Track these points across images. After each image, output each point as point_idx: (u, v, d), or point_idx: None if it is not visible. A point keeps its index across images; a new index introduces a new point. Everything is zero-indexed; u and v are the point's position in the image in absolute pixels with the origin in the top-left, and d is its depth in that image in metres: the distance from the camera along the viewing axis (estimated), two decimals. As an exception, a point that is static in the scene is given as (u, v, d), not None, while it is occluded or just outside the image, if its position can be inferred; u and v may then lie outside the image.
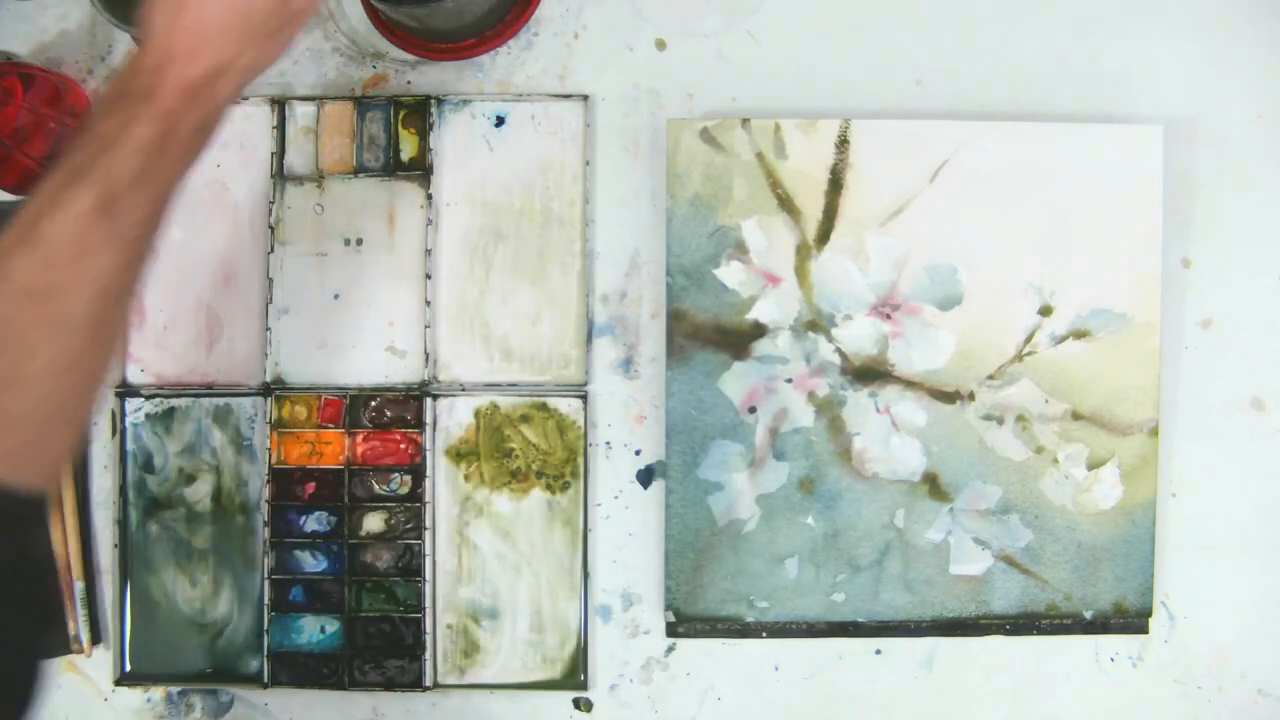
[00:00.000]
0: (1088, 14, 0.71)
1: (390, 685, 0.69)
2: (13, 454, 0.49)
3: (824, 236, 0.69)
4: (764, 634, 0.69)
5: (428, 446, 0.70)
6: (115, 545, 0.70)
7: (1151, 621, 0.69)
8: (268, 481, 0.70)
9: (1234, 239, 0.71)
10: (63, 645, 0.69)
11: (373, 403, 0.70)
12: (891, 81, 0.71)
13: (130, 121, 0.50)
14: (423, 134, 0.71)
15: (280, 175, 0.71)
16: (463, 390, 0.70)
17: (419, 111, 0.71)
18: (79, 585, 0.69)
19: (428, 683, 0.69)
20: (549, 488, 0.70)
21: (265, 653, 0.69)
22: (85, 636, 0.69)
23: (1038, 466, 0.69)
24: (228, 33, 0.51)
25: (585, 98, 0.71)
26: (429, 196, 0.70)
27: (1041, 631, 0.69)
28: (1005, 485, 0.68)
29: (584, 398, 0.70)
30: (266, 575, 0.69)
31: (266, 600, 0.69)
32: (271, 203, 0.71)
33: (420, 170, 0.71)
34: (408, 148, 0.71)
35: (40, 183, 0.50)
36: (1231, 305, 0.71)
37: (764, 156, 0.69)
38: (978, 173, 0.69)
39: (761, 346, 0.69)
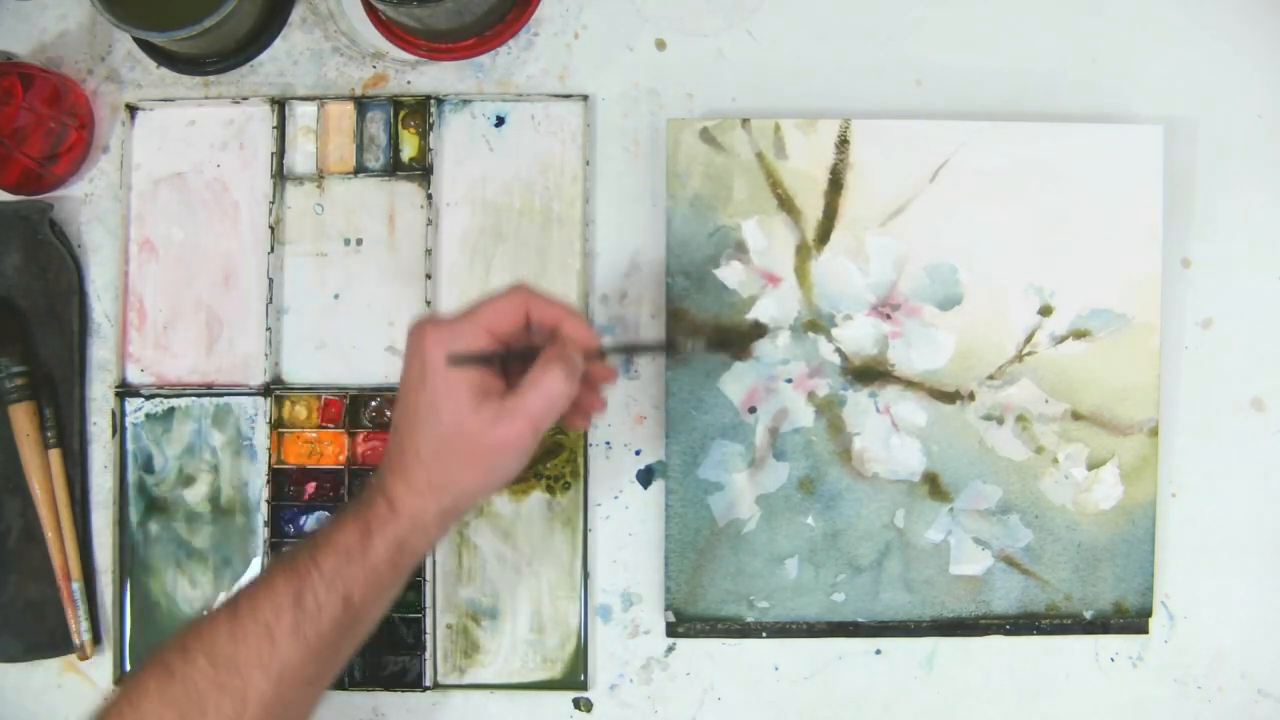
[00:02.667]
0: (1088, 14, 0.71)
1: (390, 685, 0.69)
2: None
3: (824, 236, 0.69)
4: (764, 634, 0.69)
5: (428, 446, 0.69)
6: (115, 545, 0.70)
7: (1151, 621, 0.69)
8: (267, 481, 0.70)
9: (1234, 239, 0.71)
10: (63, 645, 0.69)
11: (373, 403, 0.70)
12: (891, 81, 0.71)
13: (339, 522, 0.53)
14: (423, 134, 0.71)
15: (280, 175, 0.71)
16: (463, 390, 0.70)
17: (419, 111, 0.71)
18: (78, 585, 0.69)
19: (428, 683, 0.69)
20: (549, 488, 0.70)
21: (265, 653, 0.69)
22: (85, 637, 0.69)
23: (1038, 466, 0.69)
24: (425, 454, 0.53)
25: (585, 98, 0.71)
26: (429, 196, 0.70)
27: (1041, 631, 0.69)
28: (1005, 485, 0.68)
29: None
30: (266, 575, 0.69)
31: (266, 600, 0.69)
32: (271, 203, 0.71)
33: (420, 170, 0.71)
34: (408, 148, 0.71)
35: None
36: (1231, 305, 0.71)
37: (764, 156, 0.69)
38: (978, 173, 0.69)
39: (761, 346, 0.69)
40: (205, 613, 0.54)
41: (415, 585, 0.69)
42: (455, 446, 0.52)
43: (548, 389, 0.52)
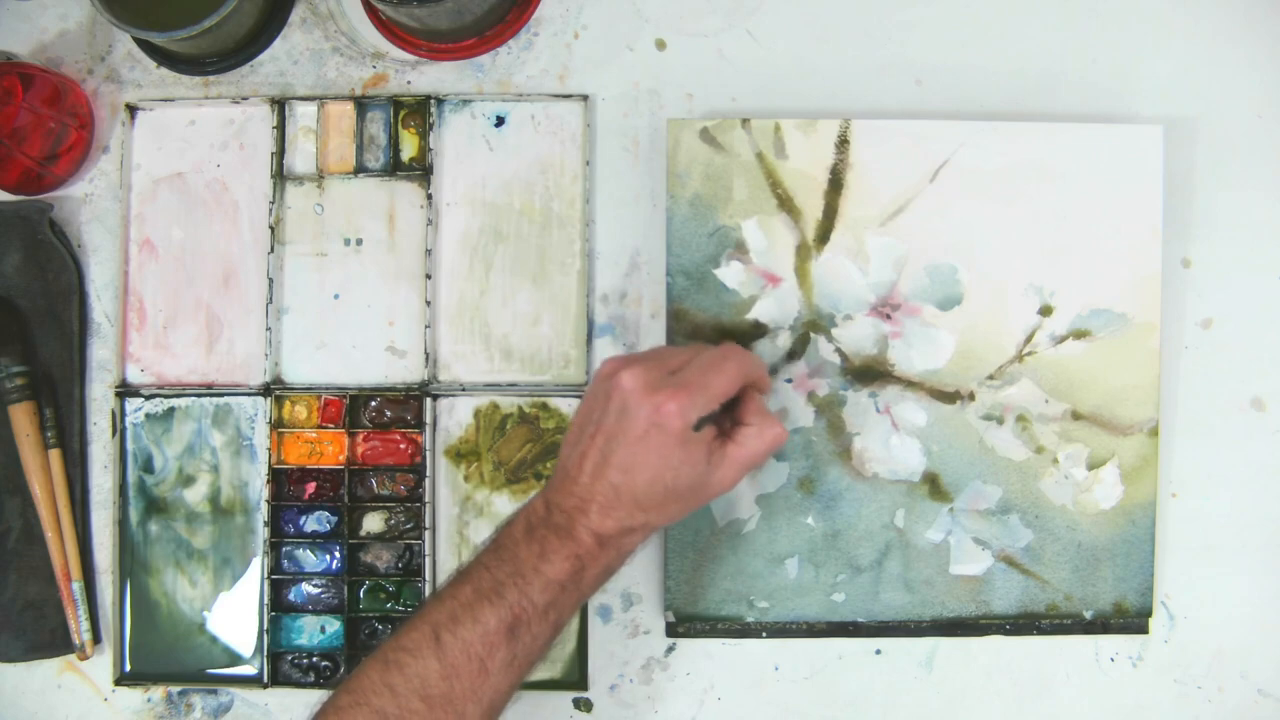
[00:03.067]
0: (1088, 14, 0.71)
1: (390, 685, 0.69)
2: None
3: (824, 236, 0.69)
4: (764, 634, 0.69)
5: (428, 446, 0.70)
6: (115, 545, 0.70)
7: (1151, 621, 0.69)
8: (268, 481, 0.70)
9: (1234, 239, 0.71)
10: (63, 645, 0.69)
11: (373, 403, 0.70)
12: (891, 81, 0.71)
13: (546, 555, 0.55)
14: (423, 134, 0.71)
15: (280, 175, 0.71)
16: (463, 390, 0.70)
17: (419, 111, 0.71)
18: (78, 585, 0.69)
19: (428, 683, 0.69)
20: (549, 488, 0.70)
21: (265, 653, 0.69)
22: (85, 637, 0.69)
23: (1038, 466, 0.69)
24: (645, 502, 0.56)
25: (585, 98, 0.71)
26: (429, 196, 0.70)
27: (1041, 631, 0.69)
28: (1005, 485, 0.68)
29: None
30: (266, 575, 0.69)
31: (266, 600, 0.69)
32: (271, 203, 0.71)
33: (420, 170, 0.71)
34: (408, 148, 0.71)
35: (444, 588, 0.56)
36: (1231, 305, 0.71)
37: (764, 156, 0.69)
38: (978, 173, 0.69)
39: (761, 346, 0.69)
40: (398, 644, 0.55)
41: (415, 585, 0.69)
42: (679, 492, 0.56)
43: (774, 437, 0.58)
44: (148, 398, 0.71)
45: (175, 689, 0.70)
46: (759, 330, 0.69)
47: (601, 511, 0.56)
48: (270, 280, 0.70)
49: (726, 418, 0.59)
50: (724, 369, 0.57)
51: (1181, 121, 0.71)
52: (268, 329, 0.70)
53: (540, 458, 0.70)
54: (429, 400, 0.70)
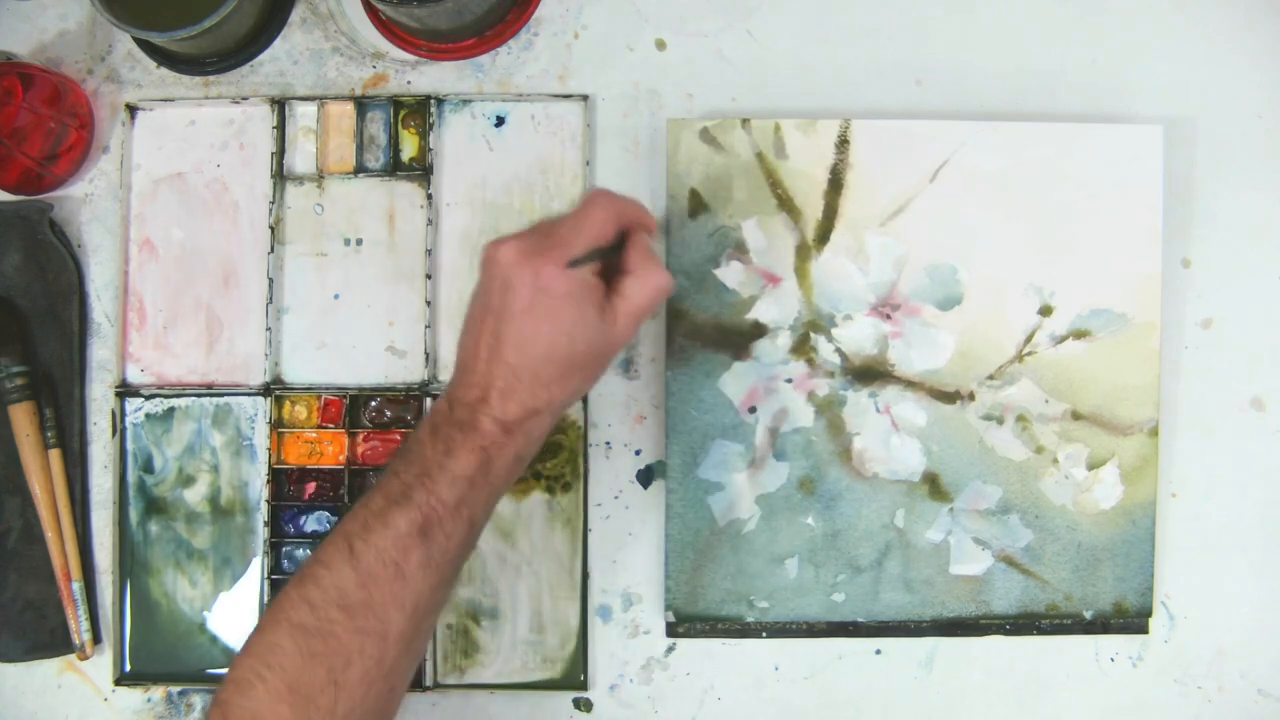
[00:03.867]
0: (1087, 14, 0.71)
1: (390, 685, 0.69)
2: None
3: (824, 236, 0.69)
4: (764, 634, 0.69)
5: (428, 446, 0.69)
6: (115, 545, 0.70)
7: (1151, 621, 0.69)
8: (268, 481, 0.70)
9: (1234, 239, 0.71)
10: (63, 645, 0.69)
11: (373, 403, 0.70)
12: (891, 81, 0.71)
13: (452, 451, 0.54)
14: (423, 134, 0.71)
15: (280, 175, 0.71)
16: (463, 390, 0.70)
17: (419, 111, 0.71)
18: (78, 585, 0.69)
19: (428, 683, 0.69)
20: (549, 488, 0.70)
21: (265, 653, 0.69)
22: (85, 637, 0.69)
23: (1038, 466, 0.69)
24: (545, 376, 0.54)
25: (585, 98, 0.71)
26: (429, 196, 0.70)
27: (1041, 631, 0.69)
28: (1005, 485, 0.68)
29: (584, 398, 0.70)
30: (266, 575, 0.69)
31: (266, 600, 0.69)
32: (271, 203, 0.71)
33: (420, 170, 0.71)
34: (408, 148, 0.71)
35: (360, 499, 0.54)
36: (1231, 305, 0.71)
37: (764, 156, 0.69)
38: (978, 173, 0.69)
39: (761, 346, 0.69)
40: (314, 559, 0.53)
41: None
42: (577, 359, 0.54)
43: (657, 285, 0.56)
44: (148, 398, 0.71)
45: (175, 689, 0.70)
46: (759, 330, 0.69)
47: (503, 396, 0.54)
48: (270, 280, 0.70)
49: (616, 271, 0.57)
50: (591, 214, 0.55)
51: (1181, 121, 0.71)
52: (268, 329, 0.70)
53: (541, 458, 0.70)
54: (429, 400, 0.70)
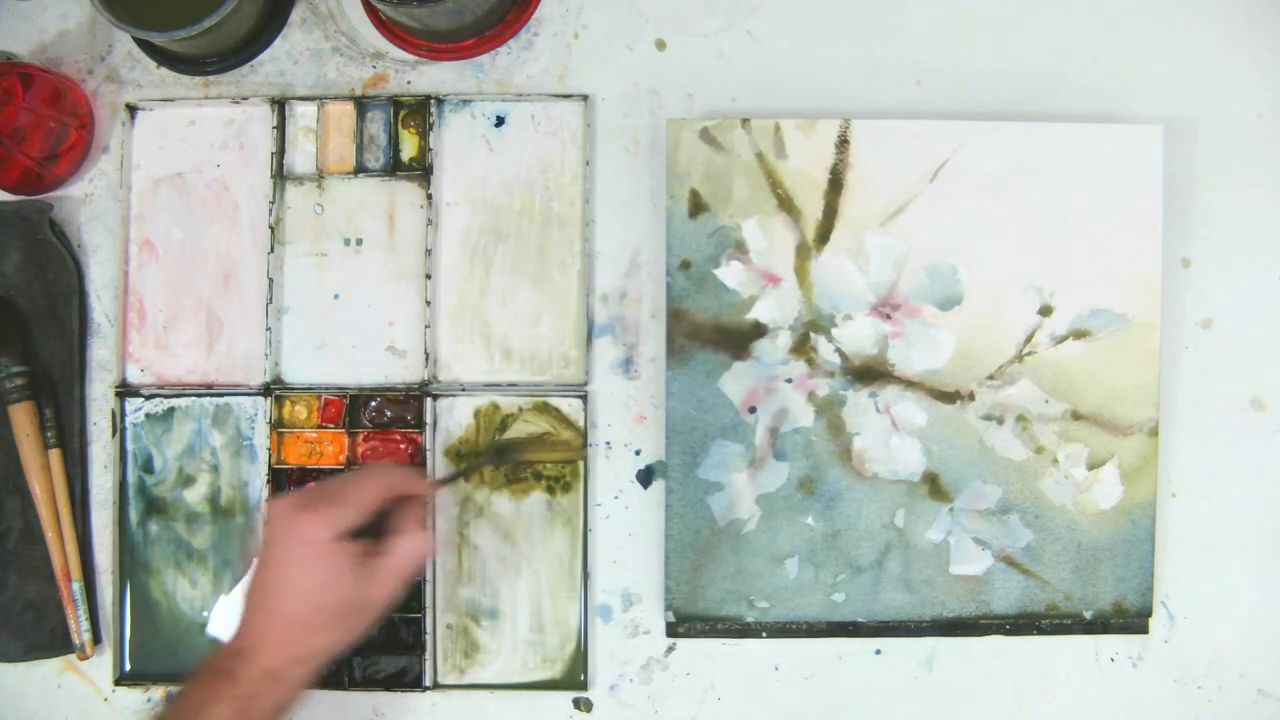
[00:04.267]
0: (1087, 14, 0.71)
1: (390, 685, 0.69)
2: None
3: (824, 236, 0.69)
4: (764, 634, 0.69)
5: (428, 446, 0.70)
6: (115, 545, 0.70)
7: (1151, 621, 0.69)
8: (268, 481, 0.70)
9: (1234, 239, 0.71)
10: (63, 645, 0.69)
11: (373, 403, 0.70)
12: (891, 81, 0.71)
13: (210, 700, 0.56)
14: (423, 134, 0.71)
15: (280, 175, 0.71)
16: (463, 390, 0.70)
17: (419, 111, 0.71)
18: (78, 585, 0.69)
19: (428, 683, 0.69)
20: (549, 488, 0.70)
21: (265, 653, 0.69)
22: (85, 637, 0.69)
23: (1038, 466, 0.69)
24: (311, 626, 0.58)
25: (585, 98, 0.71)
26: (429, 196, 0.70)
27: (1041, 631, 0.69)
28: (1005, 485, 0.68)
29: (584, 398, 0.70)
30: (266, 575, 0.69)
31: (266, 600, 0.69)
32: (271, 203, 0.71)
33: (420, 170, 0.71)
34: (408, 148, 0.71)
35: None
36: (1231, 305, 0.71)
37: (764, 156, 0.69)
38: (978, 173, 0.69)
39: (761, 346, 0.69)
40: None
41: (415, 586, 0.69)
42: (337, 613, 0.58)
43: (413, 549, 0.60)
44: (148, 398, 0.71)
45: (175, 689, 0.70)
46: (759, 330, 0.69)
47: (272, 645, 0.57)
48: (270, 280, 0.70)
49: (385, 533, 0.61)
50: (363, 481, 0.60)
51: (1181, 121, 0.71)
52: (268, 329, 0.70)
53: (539, 458, 0.70)
54: (429, 400, 0.70)
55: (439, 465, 0.70)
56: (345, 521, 0.58)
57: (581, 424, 0.70)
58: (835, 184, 0.69)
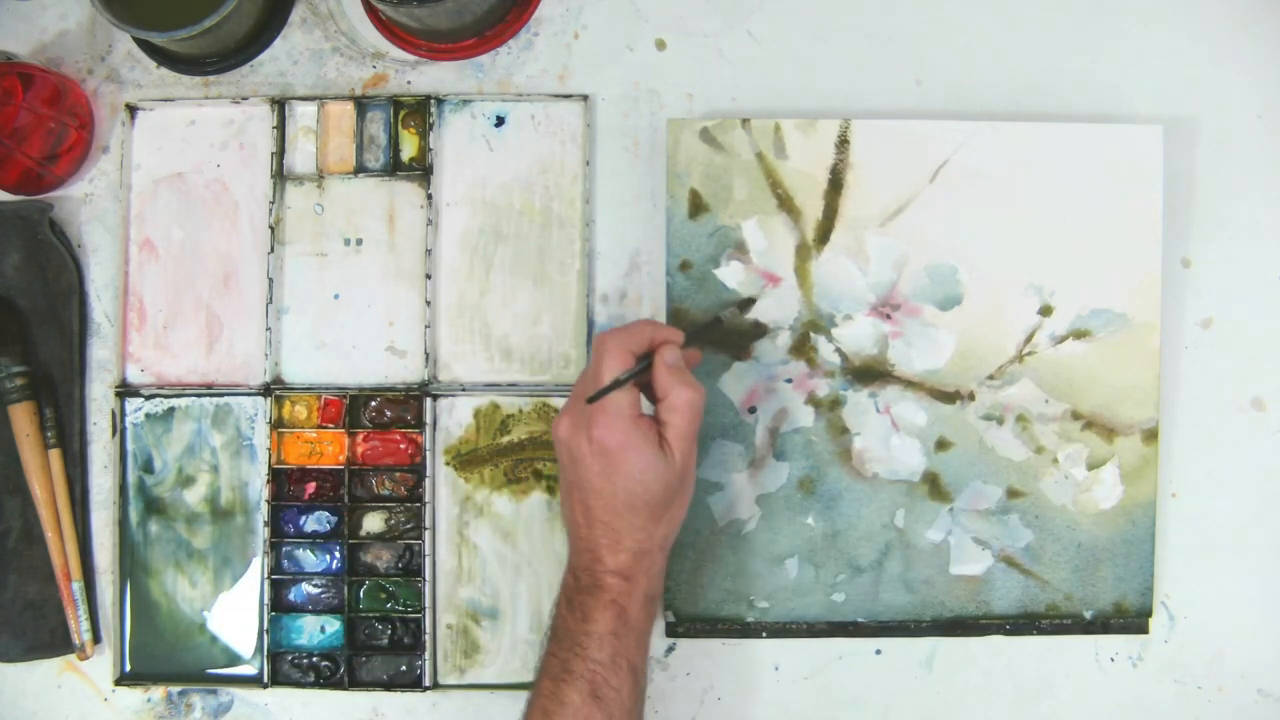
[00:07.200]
0: (1087, 14, 0.71)
1: (390, 685, 0.69)
2: None
3: (824, 236, 0.69)
4: (764, 634, 0.69)
5: (428, 446, 0.70)
6: (115, 545, 0.70)
7: (1151, 621, 0.69)
8: (268, 481, 0.70)
9: (1234, 239, 0.71)
10: (63, 645, 0.69)
11: (373, 403, 0.70)
12: (891, 81, 0.71)
13: (589, 616, 0.59)
14: (423, 134, 0.71)
15: (280, 175, 0.71)
16: (463, 390, 0.70)
17: (419, 111, 0.71)
18: (78, 585, 0.69)
19: (428, 683, 0.69)
20: (549, 488, 0.70)
21: (265, 653, 0.69)
22: (85, 637, 0.69)
23: (1038, 466, 0.69)
24: (639, 520, 0.59)
25: (585, 98, 0.71)
26: (429, 196, 0.70)
27: (1041, 631, 0.69)
28: (1005, 485, 0.68)
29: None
30: (266, 575, 0.69)
31: (266, 600, 0.69)
32: (271, 203, 0.71)
33: (420, 170, 0.71)
34: (408, 148, 0.71)
35: (534, 686, 0.59)
36: (1231, 305, 0.71)
37: (764, 156, 0.69)
38: (978, 173, 0.69)
39: (761, 346, 0.69)
40: None
41: (415, 585, 0.69)
42: (659, 496, 0.59)
43: (689, 406, 0.59)
44: (148, 398, 0.71)
45: (175, 689, 0.70)
46: (759, 330, 0.69)
47: (611, 550, 0.59)
48: (270, 280, 0.70)
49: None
50: (603, 362, 0.60)
51: (1181, 121, 0.71)
52: (268, 329, 0.70)
53: (539, 457, 0.70)
54: (429, 400, 0.70)
55: (439, 465, 0.70)
56: (628, 395, 0.59)
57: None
58: (835, 184, 0.69)
